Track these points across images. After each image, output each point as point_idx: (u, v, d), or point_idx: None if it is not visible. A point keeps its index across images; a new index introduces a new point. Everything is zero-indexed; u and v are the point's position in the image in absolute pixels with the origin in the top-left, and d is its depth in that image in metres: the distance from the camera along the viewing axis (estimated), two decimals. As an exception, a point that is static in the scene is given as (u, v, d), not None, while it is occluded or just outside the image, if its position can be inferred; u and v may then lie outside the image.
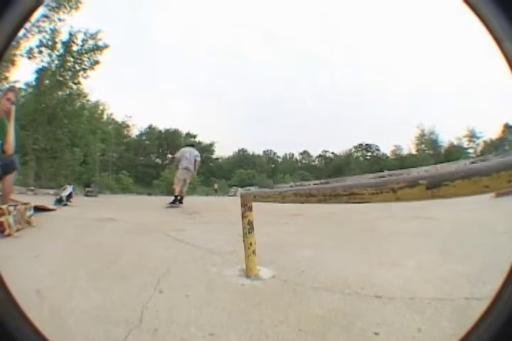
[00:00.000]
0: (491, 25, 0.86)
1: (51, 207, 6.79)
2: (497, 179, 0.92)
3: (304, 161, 25.01)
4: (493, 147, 18.70)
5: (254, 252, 2.58)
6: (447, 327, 1.78)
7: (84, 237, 4.11)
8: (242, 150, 22.79)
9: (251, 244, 2.58)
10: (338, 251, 3.38)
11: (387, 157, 23.80)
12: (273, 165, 22.57)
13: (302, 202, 1.74)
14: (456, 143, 22.54)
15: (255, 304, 2.09)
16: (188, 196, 15.68)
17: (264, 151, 23.32)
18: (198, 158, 9.11)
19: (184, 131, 22.80)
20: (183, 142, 21.79)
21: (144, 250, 3.49)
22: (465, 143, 22.16)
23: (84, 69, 17.78)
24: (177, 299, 2.14)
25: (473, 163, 12.34)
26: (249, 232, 2.61)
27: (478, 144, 22.05)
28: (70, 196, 8.19)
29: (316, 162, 25.45)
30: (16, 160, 5.01)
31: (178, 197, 8.73)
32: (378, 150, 25.74)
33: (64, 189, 8.43)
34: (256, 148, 22.47)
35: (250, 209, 2.63)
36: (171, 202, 8.67)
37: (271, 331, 1.75)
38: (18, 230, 4.27)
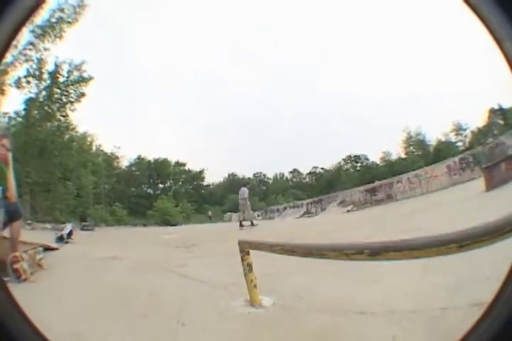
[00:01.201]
0: (491, 25, 0.89)
1: (54, 246, 7.02)
2: (427, 253, 1.24)
3: (294, 179, 25.17)
4: (482, 135, 19.14)
5: (255, 286, 3.04)
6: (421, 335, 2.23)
7: (96, 279, 4.41)
8: (232, 175, 22.98)
9: (252, 280, 3.05)
10: (325, 274, 3.75)
11: (377, 165, 23.85)
12: (264, 187, 22.78)
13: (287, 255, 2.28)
14: (443, 139, 22.52)
15: (262, 327, 2.52)
16: (183, 225, 15.93)
17: (254, 174, 23.62)
18: (245, 195, 12.41)
19: (173, 159, 22.90)
20: (172, 171, 21.96)
21: (155, 289, 3.83)
22: (453, 138, 22.27)
23: (71, 102, 17.90)
24: (195, 331, 2.53)
25: (462, 159, 12.37)
26: (249, 271, 3.10)
27: (465, 136, 22.04)
28: (70, 234, 8.45)
29: (307, 179, 25.60)
30: (20, 207, 5.21)
31: (242, 223, 11.67)
32: (367, 159, 25.72)
33: (64, 227, 8.69)
34: (246, 172, 22.77)
35: (248, 253, 3.17)
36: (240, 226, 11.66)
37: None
38: (31, 274, 4.53)
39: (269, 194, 21.23)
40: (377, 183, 14.44)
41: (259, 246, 2.94)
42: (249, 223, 11.66)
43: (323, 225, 9.45)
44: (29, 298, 3.51)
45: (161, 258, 5.98)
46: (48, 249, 6.39)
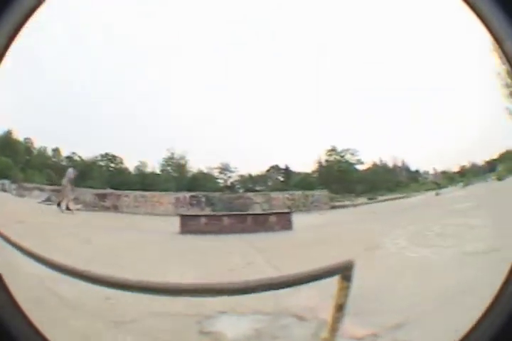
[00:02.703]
0: (491, 25, 0.91)
1: None
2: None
3: (54, 159, 23.18)
4: (252, 181, 19.40)
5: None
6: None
7: None
8: (8, 133, 19.46)
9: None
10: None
11: (130, 172, 23.31)
12: (28, 157, 20.31)
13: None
14: (205, 171, 22.08)
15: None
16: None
17: (24, 138, 20.71)
18: (71, 177, 13.09)
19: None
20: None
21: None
22: (216, 174, 20.81)
23: None
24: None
25: (193, 196, 14.27)
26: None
27: (229, 177, 20.66)
28: None
29: (64, 163, 23.67)
30: None
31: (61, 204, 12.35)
32: (122, 163, 24.24)
33: None
34: (22, 133, 19.45)
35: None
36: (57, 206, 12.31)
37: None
38: None
39: (29, 167, 18.90)
40: (109, 191, 15.20)
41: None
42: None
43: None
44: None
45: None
46: None
